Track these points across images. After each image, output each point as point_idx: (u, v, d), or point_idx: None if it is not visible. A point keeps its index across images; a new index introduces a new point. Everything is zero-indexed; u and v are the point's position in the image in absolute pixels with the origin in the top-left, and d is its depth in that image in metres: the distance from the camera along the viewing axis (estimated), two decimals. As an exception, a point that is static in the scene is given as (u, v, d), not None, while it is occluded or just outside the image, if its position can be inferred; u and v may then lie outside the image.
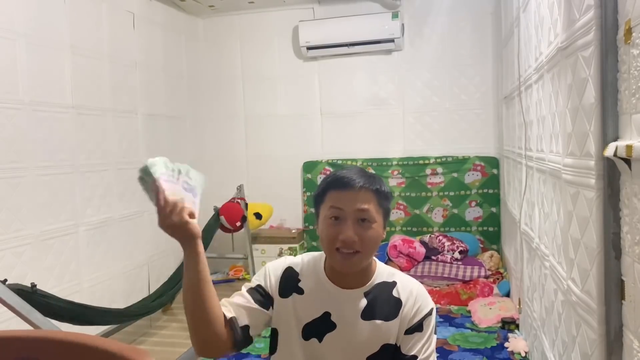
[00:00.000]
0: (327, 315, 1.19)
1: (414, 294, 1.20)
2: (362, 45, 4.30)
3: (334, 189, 1.16)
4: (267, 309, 1.21)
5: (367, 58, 4.45)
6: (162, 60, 4.10)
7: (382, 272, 1.24)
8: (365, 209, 1.13)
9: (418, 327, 1.18)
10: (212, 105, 4.78)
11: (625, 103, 1.21)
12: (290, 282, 1.24)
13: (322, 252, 1.24)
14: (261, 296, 1.21)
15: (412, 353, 1.16)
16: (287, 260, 1.28)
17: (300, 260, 1.28)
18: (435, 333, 1.21)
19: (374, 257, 1.26)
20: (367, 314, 1.18)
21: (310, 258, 1.28)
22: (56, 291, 2.52)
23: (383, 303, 1.19)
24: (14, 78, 2.66)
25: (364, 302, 1.19)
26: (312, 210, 4.51)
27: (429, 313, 1.19)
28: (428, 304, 1.20)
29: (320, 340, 1.19)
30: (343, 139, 4.55)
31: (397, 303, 1.19)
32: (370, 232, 1.14)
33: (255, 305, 1.19)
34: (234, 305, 1.18)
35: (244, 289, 1.22)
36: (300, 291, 1.22)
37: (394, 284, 1.22)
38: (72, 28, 3.07)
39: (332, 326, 1.19)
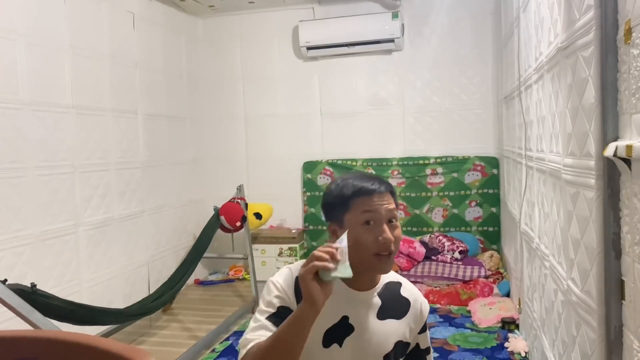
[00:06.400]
0: (345, 319, 1.20)
1: (415, 295, 1.31)
2: (362, 45, 4.30)
3: (362, 195, 1.18)
4: None
5: (367, 58, 4.45)
6: (162, 60, 4.10)
7: None
8: (393, 209, 1.20)
9: (425, 326, 1.33)
10: (212, 105, 4.78)
11: (625, 103, 1.21)
12: None
13: None
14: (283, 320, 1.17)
15: (427, 346, 1.33)
16: (293, 270, 1.21)
17: None
18: None
19: None
20: (382, 314, 1.23)
21: None
22: (56, 291, 2.52)
23: (394, 302, 1.26)
24: (14, 78, 2.66)
25: (377, 302, 1.23)
26: (313, 210, 4.59)
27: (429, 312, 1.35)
28: (427, 303, 1.35)
29: (340, 345, 1.19)
30: (343, 139, 4.55)
31: (407, 303, 1.28)
32: (398, 230, 1.21)
33: None
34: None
35: (263, 318, 1.14)
36: None
37: (399, 284, 1.31)
38: (72, 28, 3.07)
39: (350, 329, 1.20)
